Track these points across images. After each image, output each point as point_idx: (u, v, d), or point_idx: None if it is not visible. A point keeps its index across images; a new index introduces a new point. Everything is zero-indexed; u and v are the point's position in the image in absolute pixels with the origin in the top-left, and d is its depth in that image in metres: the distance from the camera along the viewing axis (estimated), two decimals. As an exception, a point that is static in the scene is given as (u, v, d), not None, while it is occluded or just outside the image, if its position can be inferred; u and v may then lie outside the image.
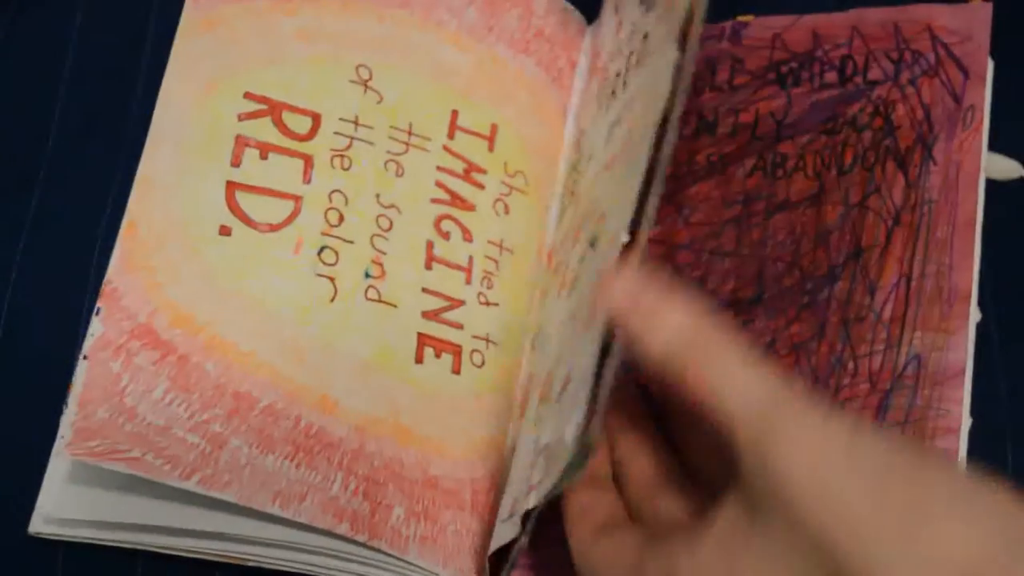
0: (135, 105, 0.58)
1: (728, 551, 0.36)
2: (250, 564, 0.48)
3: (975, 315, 0.50)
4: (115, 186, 0.56)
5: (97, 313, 0.48)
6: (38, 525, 0.49)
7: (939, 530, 0.33)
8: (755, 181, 0.54)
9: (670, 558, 0.38)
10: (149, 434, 0.46)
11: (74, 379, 0.48)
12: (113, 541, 0.48)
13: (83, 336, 0.51)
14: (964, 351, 0.48)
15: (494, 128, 0.54)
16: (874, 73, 0.54)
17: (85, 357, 0.47)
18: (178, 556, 0.48)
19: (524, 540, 0.44)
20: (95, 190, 0.56)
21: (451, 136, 0.54)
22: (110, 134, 0.57)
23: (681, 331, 0.37)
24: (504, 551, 0.46)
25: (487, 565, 0.47)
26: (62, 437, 0.45)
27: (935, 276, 0.50)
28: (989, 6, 0.52)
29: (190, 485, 0.45)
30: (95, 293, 0.52)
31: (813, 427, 0.35)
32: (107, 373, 0.47)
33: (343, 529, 0.45)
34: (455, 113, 0.54)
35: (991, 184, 0.53)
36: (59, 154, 0.57)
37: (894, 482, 0.34)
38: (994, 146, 0.53)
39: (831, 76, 0.55)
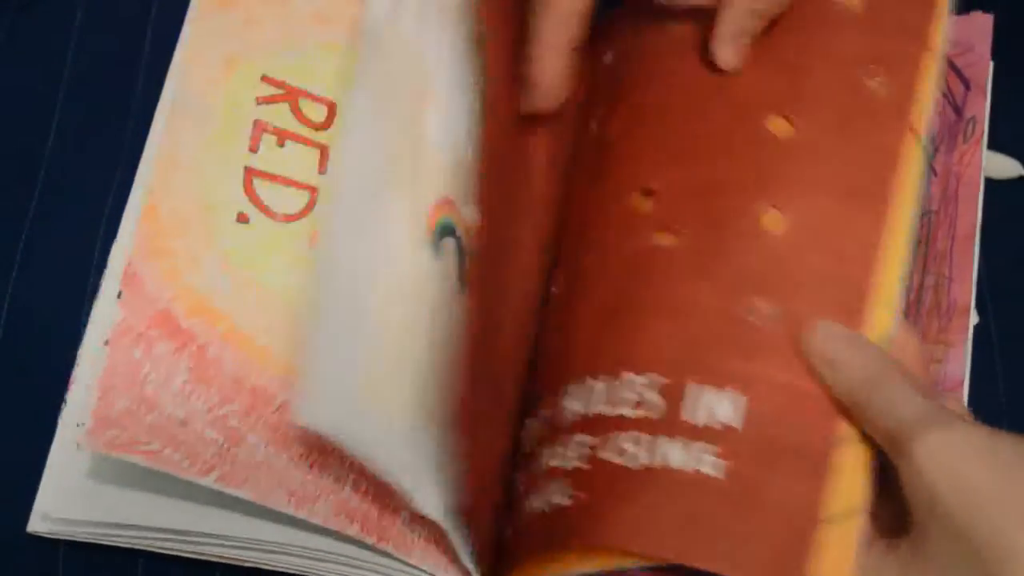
0: (135, 104, 0.58)
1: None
2: (248, 566, 0.48)
3: (973, 319, 0.50)
4: (115, 185, 0.56)
5: (119, 296, 0.47)
6: (37, 524, 0.49)
7: None
8: None
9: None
10: (169, 427, 0.44)
11: (79, 368, 0.49)
12: (114, 541, 0.48)
13: (83, 334, 0.52)
14: (962, 364, 0.48)
15: None
16: None
17: (106, 343, 0.46)
18: (179, 556, 0.49)
19: None
20: (95, 189, 0.56)
21: None
22: (110, 133, 0.57)
23: (863, 371, 0.42)
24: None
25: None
26: (79, 425, 0.44)
27: (934, 288, 0.49)
28: (990, 17, 0.51)
29: (208, 482, 0.44)
30: (95, 291, 0.52)
31: (955, 432, 0.39)
32: (129, 360, 0.45)
33: (354, 531, 0.45)
34: None
35: (990, 183, 0.53)
36: (59, 153, 0.57)
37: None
38: (993, 145, 0.53)
39: None
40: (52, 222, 0.56)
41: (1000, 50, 0.52)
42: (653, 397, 0.44)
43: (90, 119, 0.58)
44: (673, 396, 0.43)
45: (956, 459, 0.38)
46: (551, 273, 0.52)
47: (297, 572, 0.48)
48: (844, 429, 0.42)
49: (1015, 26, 0.54)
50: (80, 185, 0.57)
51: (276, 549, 0.47)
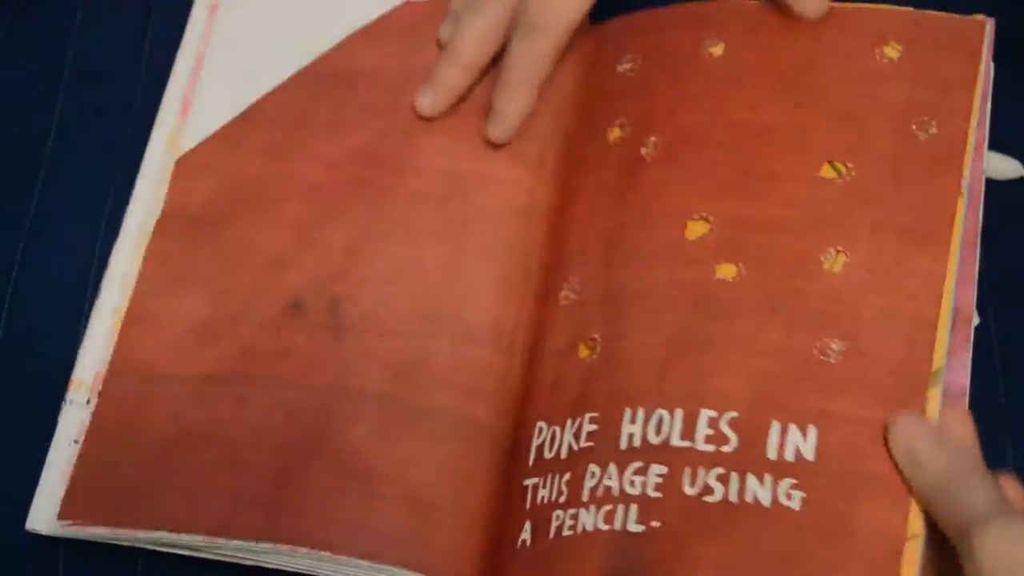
0: (136, 104, 0.58)
1: None
2: (248, 565, 0.48)
3: (973, 321, 0.50)
4: (116, 185, 0.56)
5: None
6: (37, 522, 0.50)
7: None
8: None
9: None
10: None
11: (79, 368, 0.52)
12: (114, 540, 0.49)
13: (84, 333, 0.52)
14: (965, 373, 0.48)
15: None
16: None
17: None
18: (179, 555, 0.49)
19: None
20: (96, 189, 0.56)
21: None
22: (111, 133, 0.57)
23: (945, 471, 0.43)
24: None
25: None
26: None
27: None
28: (992, 21, 0.51)
29: (161, 535, 0.48)
30: (96, 290, 0.52)
31: (1013, 527, 0.40)
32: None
33: (303, 551, 0.47)
34: None
35: (991, 183, 0.53)
36: (60, 153, 0.57)
37: None
38: (993, 145, 0.52)
39: None
40: (53, 222, 0.56)
41: (1001, 50, 0.52)
42: (732, 434, 0.45)
43: (90, 119, 0.58)
44: (753, 433, 0.45)
45: (1013, 555, 0.39)
46: (552, 276, 0.52)
47: (297, 571, 0.48)
48: None
49: (1016, 26, 0.54)
50: (81, 185, 0.57)
51: (272, 551, 0.47)
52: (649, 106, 0.53)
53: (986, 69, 0.51)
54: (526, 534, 0.47)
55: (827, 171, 0.49)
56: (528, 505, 0.47)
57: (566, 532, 0.46)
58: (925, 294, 0.46)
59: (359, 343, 0.50)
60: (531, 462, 0.48)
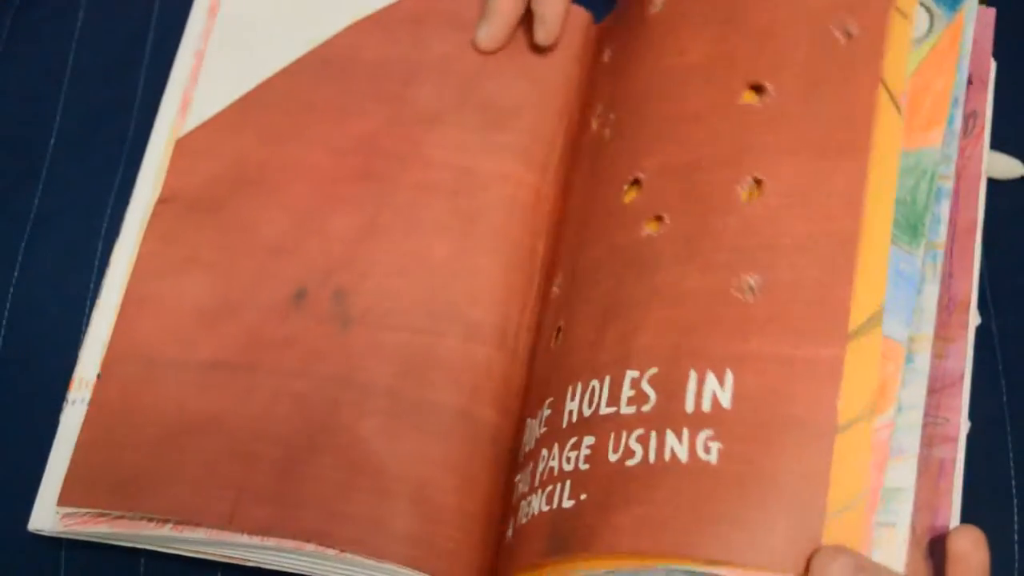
0: (137, 103, 0.58)
1: None
2: (249, 565, 0.48)
3: (975, 319, 0.50)
4: (117, 184, 0.56)
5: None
6: (39, 522, 0.49)
7: None
8: None
9: None
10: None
11: (80, 367, 0.50)
12: (116, 540, 0.49)
13: (86, 332, 0.52)
14: (963, 359, 0.47)
15: None
16: None
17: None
18: (180, 555, 0.49)
19: None
20: (98, 189, 0.56)
21: None
22: (112, 133, 0.57)
23: None
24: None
25: None
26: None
27: None
28: (992, 11, 0.51)
29: (165, 532, 0.47)
30: (98, 287, 0.52)
31: None
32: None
33: (310, 547, 0.47)
34: None
35: (991, 183, 0.53)
36: (61, 153, 0.57)
37: None
38: (995, 144, 0.53)
39: None
40: (54, 222, 0.56)
41: (1002, 48, 0.52)
42: (652, 391, 0.43)
43: (92, 119, 0.58)
44: (671, 387, 0.43)
45: None
46: (549, 276, 0.52)
47: (298, 571, 0.48)
48: (846, 397, 0.41)
49: (1018, 23, 0.54)
50: (82, 185, 0.57)
51: (273, 549, 0.47)
52: (612, 87, 0.52)
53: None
54: (510, 529, 0.47)
55: (748, 97, 0.46)
56: (514, 501, 0.47)
57: (523, 520, 0.45)
58: (844, 211, 0.43)
59: (366, 335, 0.50)
60: (520, 459, 0.48)
